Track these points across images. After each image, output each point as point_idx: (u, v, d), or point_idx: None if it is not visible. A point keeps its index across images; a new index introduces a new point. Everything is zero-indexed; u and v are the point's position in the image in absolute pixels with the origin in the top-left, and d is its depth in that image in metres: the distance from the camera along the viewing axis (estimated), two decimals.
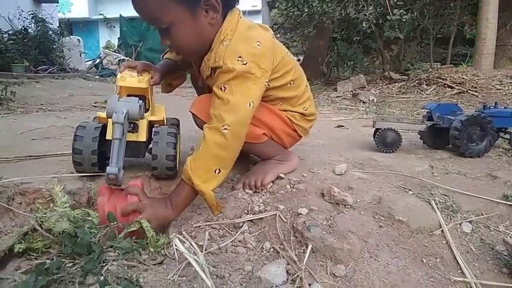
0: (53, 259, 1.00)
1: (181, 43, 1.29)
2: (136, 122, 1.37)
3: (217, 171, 1.22)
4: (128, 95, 1.37)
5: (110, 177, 1.14)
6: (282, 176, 1.50)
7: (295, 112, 1.53)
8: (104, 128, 1.37)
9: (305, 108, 1.55)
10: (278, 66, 1.38)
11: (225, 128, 1.20)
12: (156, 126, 1.46)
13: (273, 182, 1.47)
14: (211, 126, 1.22)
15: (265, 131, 1.45)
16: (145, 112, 1.42)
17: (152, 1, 1.18)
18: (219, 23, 1.29)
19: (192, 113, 1.41)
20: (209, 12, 1.25)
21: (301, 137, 1.62)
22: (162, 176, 1.45)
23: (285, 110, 1.51)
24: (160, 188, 1.44)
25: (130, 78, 1.38)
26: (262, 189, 1.42)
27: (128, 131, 1.30)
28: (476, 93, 5.26)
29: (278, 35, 9.70)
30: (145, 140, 1.40)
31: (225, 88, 1.23)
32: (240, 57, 1.23)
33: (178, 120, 1.71)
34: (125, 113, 1.17)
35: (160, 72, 1.48)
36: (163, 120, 1.49)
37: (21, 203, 1.25)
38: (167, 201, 1.25)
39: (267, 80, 1.31)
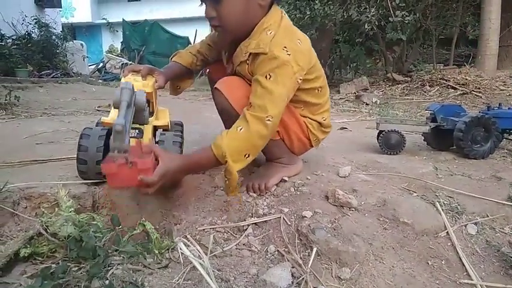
0: (58, 263, 1.00)
1: (227, 16, 1.30)
2: (142, 127, 1.36)
3: (246, 155, 1.25)
4: None
5: (117, 129, 1.00)
6: (286, 179, 1.50)
7: (314, 120, 1.53)
8: (109, 134, 1.34)
9: (324, 119, 1.55)
10: (312, 69, 1.41)
11: (269, 120, 1.24)
12: (162, 131, 1.47)
13: (276, 185, 1.47)
14: (256, 115, 1.24)
15: (280, 130, 1.44)
16: (150, 116, 1.41)
17: None
18: (265, 10, 1.35)
19: (219, 91, 1.36)
20: None
21: (312, 146, 1.60)
22: None
23: (304, 116, 1.51)
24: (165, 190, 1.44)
25: (134, 83, 1.37)
26: (266, 193, 1.42)
27: (133, 137, 1.31)
28: (480, 94, 5.25)
29: None
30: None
31: (270, 77, 1.25)
32: (285, 47, 1.27)
33: (182, 123, 1.71)
34: (132, 86, 1.13)
35: (164, 76, 1.49)
36: (168, 124, 1.50)
37: (26, 208, 1.25)
38: (182, 166, 1.25)
39: (301, 78, 1.33)
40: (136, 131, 1.35)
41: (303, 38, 1.38)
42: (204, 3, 1.33)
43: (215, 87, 1.38)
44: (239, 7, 1.29)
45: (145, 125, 1.37)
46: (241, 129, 1.23)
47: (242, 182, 1.48)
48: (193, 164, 1.28)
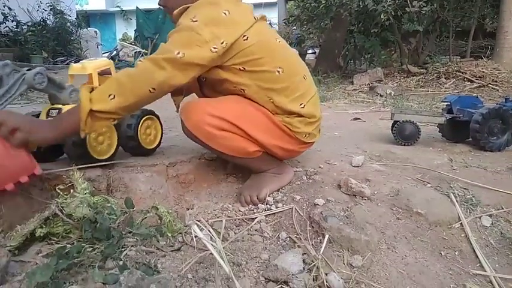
0: (73, 243, 1.02)
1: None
2: (62, 107, 1.33)
3: (111, 96, 1.11)
4: None
5: None
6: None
7: (292, 114, 1.32)
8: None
9: (302, 105, 1.32)
10: (256, 50, 1.24)
11: (140, 61, 1.17)
12: None
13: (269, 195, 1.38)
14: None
15: (259, 149, 1.32)
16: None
17: None
18: None
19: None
20: None
21: (306, 144, 1.41)
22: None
23: (280, 111, 1.32)
24: (177, 176, 1.45)
25: (74, 66, 1.39)
26: (261, 203, 1.33)
27: (53, 116, 1.30)
28: (497, 87, 5.15)
29: (294, 27, 9.63)
30: None
31: (167, 40, 1.18)
32: (194, 17, 1.17)
33: (149, 112, 1.55)
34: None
35: None
36: None
37: (42, 189, 1.27)
38: (48, 121, 1.21)
39: (215, 47, 1.15)
40: (56, 110, 1.32)
41: (234, 9, 1.22)
42: None
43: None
44: None
45: (66, 105, 1.33)
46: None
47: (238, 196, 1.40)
48: (62, 116, 1.19)
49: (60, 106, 1.34)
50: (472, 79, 5.51)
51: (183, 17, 1.21)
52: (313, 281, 0.95)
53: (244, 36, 1.21)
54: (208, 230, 1.00)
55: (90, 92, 1.12)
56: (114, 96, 1.11)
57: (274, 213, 1.26)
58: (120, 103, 1.12)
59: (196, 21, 1.15)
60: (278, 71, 1.28)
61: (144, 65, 1.14)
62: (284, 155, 1.42)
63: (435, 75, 6.02)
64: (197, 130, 1.24)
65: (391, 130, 2.07)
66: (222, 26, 1.18)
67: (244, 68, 1.24)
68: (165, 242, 1.07)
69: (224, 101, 1.29)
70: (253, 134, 1.27)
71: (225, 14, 1.19)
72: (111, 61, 1.51)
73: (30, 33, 8.11)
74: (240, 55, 1.22)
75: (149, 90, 1.13)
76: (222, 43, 1.16)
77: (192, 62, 1.14)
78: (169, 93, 1.66)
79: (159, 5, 1.37)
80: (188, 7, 1.24)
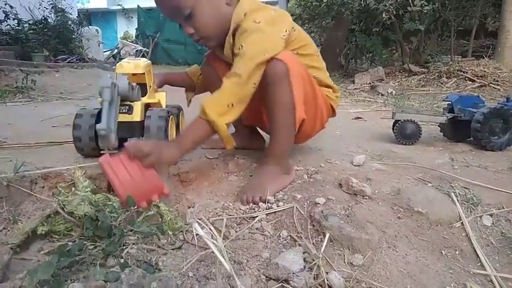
0: (74, 241, 1.02)
1: (203, 27, 1.38)
2: (132, 104, 1.43)
3: (230, 105, 1.26)
4: None
5: (101, 133, 1.16)
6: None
7: (327, 87, 1.59)
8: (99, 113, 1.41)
9: (332, 82, 1.62)
10: (300, 37, 1.47)
11: (239, 69, 1.27)
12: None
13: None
14: (229, 73, 1.29)
15: (307, 112, 1.41)
16: (144, 95, 1.52)
17: None
18: (235, 3, 1.39)
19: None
20: None
21: (329, 114, 1.64)
22: None
23: (319, 83, 1.54)
24: (178, 174, 1.45)
25: (126, 65, 1.47)
26: (262, 203, 1.32)
27: (123, 113, 1.40)
28: (498, 87, 5.15)
29: None
30: (139, 119, 1.43)
31: (242, 47, 1.30)
32: (255, 20, 1.32)
33: (180, 107, 1.82)
34: (111, 81, 1.23)
35: (161, 77, 1.72)
36: (159, 102, 1.61)
37: (43, 187, 1.27)
38: (172, 141, 1.35)
39: (284, 35, 1.34)
40: (127, 107, 1.42)
41: (278, 8, 1.44)
42: (180, 26, 1.41)
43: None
44: (209, 14, 1.36)
45: (135, 102, 1.44)
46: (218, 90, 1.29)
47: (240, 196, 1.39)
48: (185, 134, 1.33)
49: (128, 103, 1.43)
50: (474, 78, 5.51)
51: (244, 22, 1.33)
52: (314, 279, 0.96)
53: (293, 27, 1.43)
54: (209, 228, 1.00)
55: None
56: (233, 104, 1.27)
57: (275, 212, 1.26)
58: (240, 106, 1.29)
59: (259, 22, 1.31)
60: (316, 55, 1.55)
61: (246, 70, 1.26)
62: (315, 124, 1.54)
63: (436, 74, 6.03)
64: (298, 74, 1.34)
65: (392, 129, 2.07)
66: (278, 20, 1.38)
67: (297, 52, 1.45)
68: (166, 240, 1.07)
69: None
70: (316, 89, 1.48)
71: (274, 12, 1.40)
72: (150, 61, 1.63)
73: (31, 31, 8.09)
74: (294, 42, 1.44)
75: (252, 88, 1.30)
76: (286, 31, 1.35)
77: (258, 56, 1.29)
78: (184, 88, 1.86)
79: (194, 41, 1.46)
80: (238, 26, 1.35)
